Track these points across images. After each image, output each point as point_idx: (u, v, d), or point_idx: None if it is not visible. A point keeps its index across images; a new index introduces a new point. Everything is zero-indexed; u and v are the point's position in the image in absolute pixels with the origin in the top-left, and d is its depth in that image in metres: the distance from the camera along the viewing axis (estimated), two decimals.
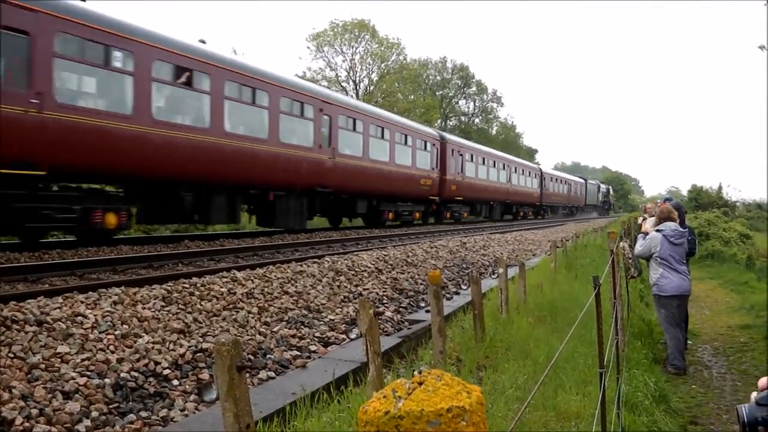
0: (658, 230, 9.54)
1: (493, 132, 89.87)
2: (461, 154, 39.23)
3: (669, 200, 17.50)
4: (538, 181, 60.15)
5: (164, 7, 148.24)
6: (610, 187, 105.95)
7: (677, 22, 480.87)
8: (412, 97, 67.21)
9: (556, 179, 70.19)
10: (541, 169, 63.73)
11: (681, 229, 9.64)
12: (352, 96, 54.53)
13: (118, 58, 15.42)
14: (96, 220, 15.08)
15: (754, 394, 2.30)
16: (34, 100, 13.08)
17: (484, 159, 44.00)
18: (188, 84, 17.66)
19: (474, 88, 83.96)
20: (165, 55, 16.77)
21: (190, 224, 21.97)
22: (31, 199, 13.47)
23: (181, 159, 17.25)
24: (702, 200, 41.61)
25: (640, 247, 9.84)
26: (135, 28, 16.00)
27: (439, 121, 73.51)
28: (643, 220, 17.38)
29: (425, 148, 34.15)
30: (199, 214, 19.19)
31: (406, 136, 31.91)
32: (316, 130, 23.84)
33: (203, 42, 20.10)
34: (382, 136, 29.52)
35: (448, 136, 39.45)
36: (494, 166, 46.24)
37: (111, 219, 15.50)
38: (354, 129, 26.95)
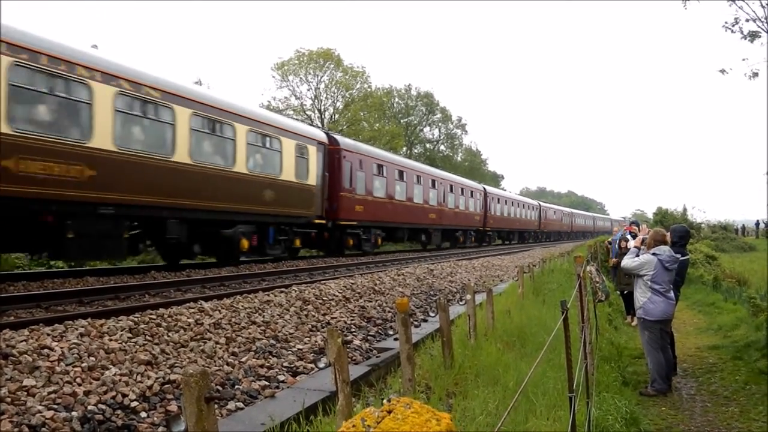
0: (654, 254, 9.58)
1: (459, 158, 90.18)
2: (497, 200, 58.99)
3: (635, 223, 17.78)
4: (537, 213, 76.28)
5: (121, 35, 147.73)
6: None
7: (640, 48, 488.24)
8: (378, 125, 67.29)
9: (554, 211, 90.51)
10: (540, 204, 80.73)
11: (675, 255, 9.73)
12: (317, 125, 54.70)
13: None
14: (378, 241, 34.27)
15: None
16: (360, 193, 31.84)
17: (506, 200, 63.71)
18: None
19: (439, 115, 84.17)
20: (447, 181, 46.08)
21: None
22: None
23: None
24: (667, 222, 42.02)
25: (632, 262, 9.82)
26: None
27: (404, 148, 73.70)
28: (609, 243, 17.51)
29: (476, 197, 53.19)
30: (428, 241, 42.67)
31: (471, 191, 52.03)
32: (471, 200, 51.77)
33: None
34: (472, 195, 52.07)
35: (488, 188, 58.47)
36: (512, 204, 65.55)
37: (380, 240, 34.45)
38: (466, 194, 50.85)
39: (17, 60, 13.30)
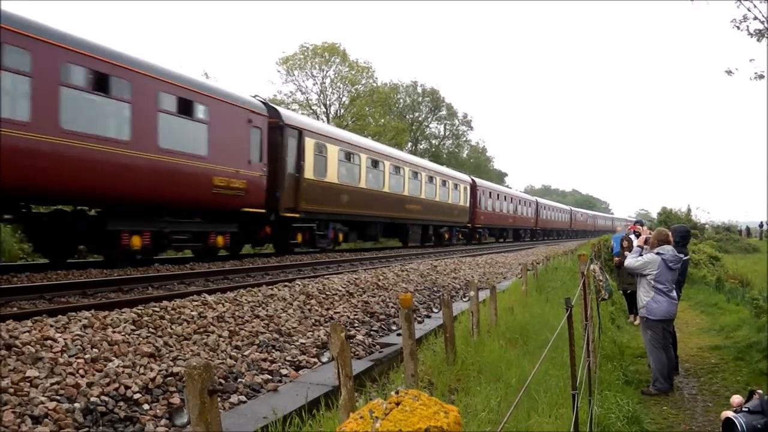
0: (658, 253, 9.52)
1: (464, 155, 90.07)
2: (543, 207, 78.43)
3: (639, 223, 17.74)
4: (569, 216, 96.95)
5: (128, 28, 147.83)
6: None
7: (647, 47, 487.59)
8: (383, 120, 67.08)
9: (581, 214, 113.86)
10: (571, 209, 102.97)
11: (678, 255, 9.68)
12: (323, 120, 54.62)
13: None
14: (486, 236, 57.68)
15: (730, 412, 2.23)
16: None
17: (549, 207, 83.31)
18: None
19: (444, 112, 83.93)
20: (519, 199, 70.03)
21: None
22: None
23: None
24: (671, 222, 41.87)
25: (635, 261, 9.78)
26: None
27: (409, 144, 73.57)
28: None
29: (531, 206, 71.54)
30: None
31: (529, 203, 71.47)
32: (529, 209, 70.75)
33: None
34: (529, 206, 70.70)
35: (540, 200, 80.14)
36: (553, 210, 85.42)
37: (486, 235, 57.16)
38: (526, 204, 70.00)
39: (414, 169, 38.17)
